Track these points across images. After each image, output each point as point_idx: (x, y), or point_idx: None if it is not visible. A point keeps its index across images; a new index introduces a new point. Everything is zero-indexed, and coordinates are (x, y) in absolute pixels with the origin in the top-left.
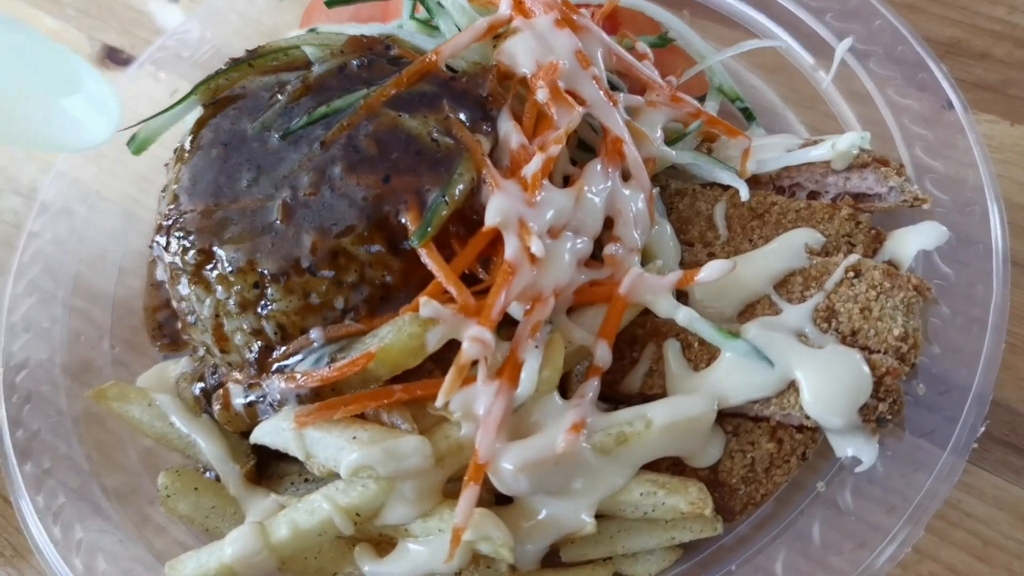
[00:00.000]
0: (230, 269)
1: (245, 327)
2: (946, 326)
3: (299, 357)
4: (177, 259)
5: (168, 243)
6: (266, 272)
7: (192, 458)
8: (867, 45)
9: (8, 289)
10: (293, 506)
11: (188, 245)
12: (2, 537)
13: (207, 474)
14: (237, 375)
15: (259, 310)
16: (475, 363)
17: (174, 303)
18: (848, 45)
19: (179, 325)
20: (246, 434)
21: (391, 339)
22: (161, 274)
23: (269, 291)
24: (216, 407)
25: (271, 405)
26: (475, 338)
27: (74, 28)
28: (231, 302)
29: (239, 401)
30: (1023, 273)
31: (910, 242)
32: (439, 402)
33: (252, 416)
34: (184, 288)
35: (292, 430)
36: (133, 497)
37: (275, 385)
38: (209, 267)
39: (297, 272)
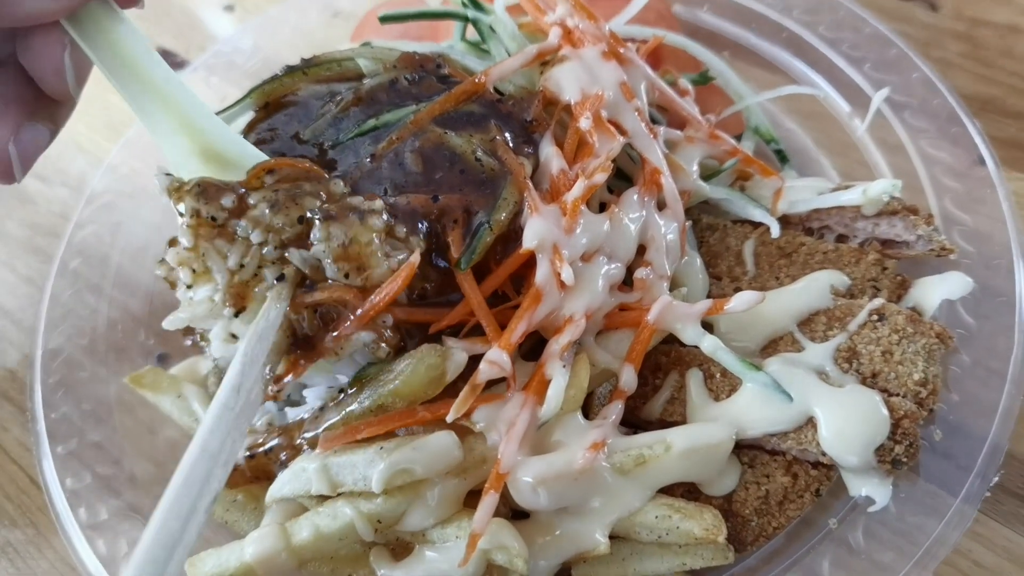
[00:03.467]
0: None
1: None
2: (965, 375)
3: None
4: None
5: None
6: None
7: None
8: (903, 96)
9: (52, 276)
10: (315, 510)
11: None
12: (27, 516)
13: None
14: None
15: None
16: (498, 381)
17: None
18: (885, 95)
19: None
20: None
21: (410, 372)
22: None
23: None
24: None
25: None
26: (492, 361)
27: None
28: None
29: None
30: None
31: (935, 291)
32: (449, 418)
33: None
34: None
35: (315, 468)
36: (158, 486)
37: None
38: None
39: None
